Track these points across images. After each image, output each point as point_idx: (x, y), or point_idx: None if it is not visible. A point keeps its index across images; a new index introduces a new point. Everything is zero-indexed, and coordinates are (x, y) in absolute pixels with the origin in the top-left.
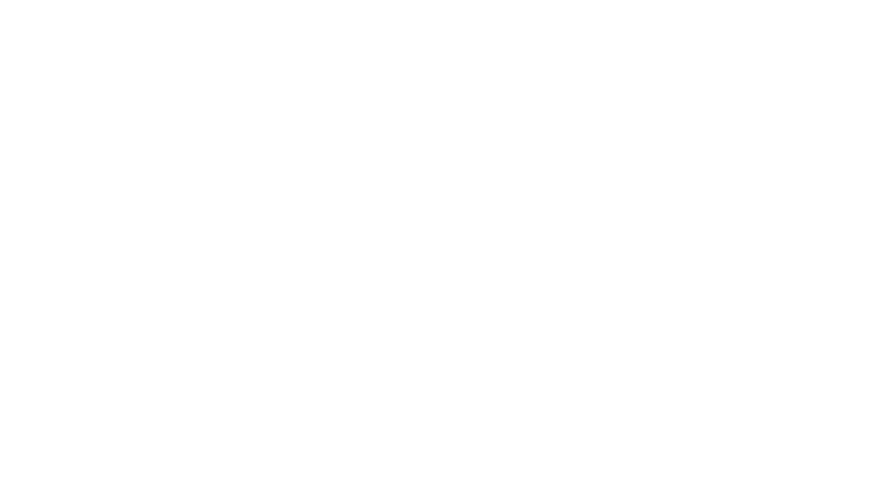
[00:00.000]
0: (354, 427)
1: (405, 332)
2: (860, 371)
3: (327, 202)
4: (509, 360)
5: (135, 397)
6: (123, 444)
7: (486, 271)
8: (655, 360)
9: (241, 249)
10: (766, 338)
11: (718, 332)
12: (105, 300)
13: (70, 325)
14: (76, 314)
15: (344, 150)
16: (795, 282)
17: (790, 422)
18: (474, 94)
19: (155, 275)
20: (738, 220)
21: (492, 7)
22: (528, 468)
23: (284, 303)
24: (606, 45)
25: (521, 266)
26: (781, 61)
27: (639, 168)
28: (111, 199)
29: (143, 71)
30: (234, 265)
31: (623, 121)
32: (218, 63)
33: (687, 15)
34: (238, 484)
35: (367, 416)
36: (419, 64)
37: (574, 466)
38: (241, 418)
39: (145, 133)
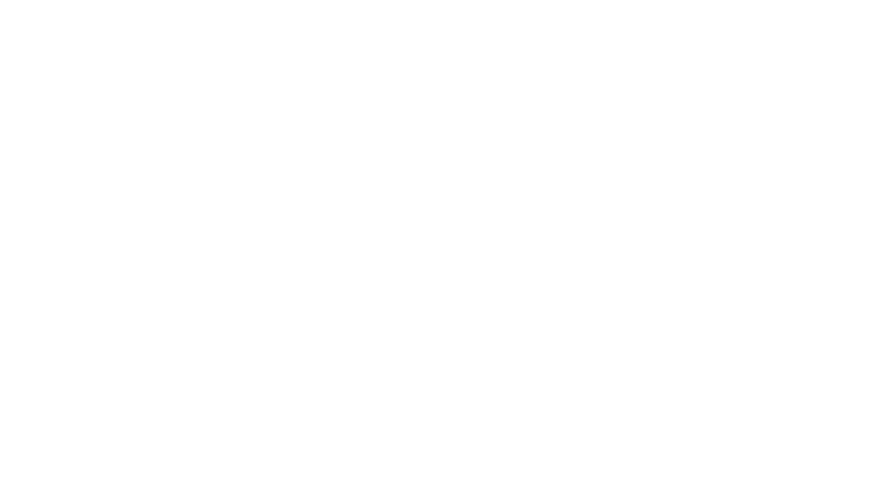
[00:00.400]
0: (354, 427)
1: (405, 331)
2: (860, 371)
3: (327, 202)
4: (508, 360)
5: (134, 397)
6: (123, 445)
7: (486, 271)
8: (655, 360)
9: (241, 249)
10: (765, 337)
11: (718, 332)
12: (105, 300)
13: (70, 325)
14: (76, 314)
15: (344, 150)
16: (795, 281)
17: (789, 421)
18: (474, 94)
19: (154, 274)
20: (737, 219)
21: (492, 7)
22: (526, 468)
23: (284, 302)
24: (606, 45)
25: (521, 266)
26: (781, 61)
27: (639, 168)
28: (111, 199)
29: (143, 71)
30: (233, 265)
31: (623, 121)
32: (218, 63)
33: (687, 15)
34: (237, 484)
35: (366, 416)
36: (419, 64)
37: (572, 466)
38: (241, 418)
39: (145, 133)
